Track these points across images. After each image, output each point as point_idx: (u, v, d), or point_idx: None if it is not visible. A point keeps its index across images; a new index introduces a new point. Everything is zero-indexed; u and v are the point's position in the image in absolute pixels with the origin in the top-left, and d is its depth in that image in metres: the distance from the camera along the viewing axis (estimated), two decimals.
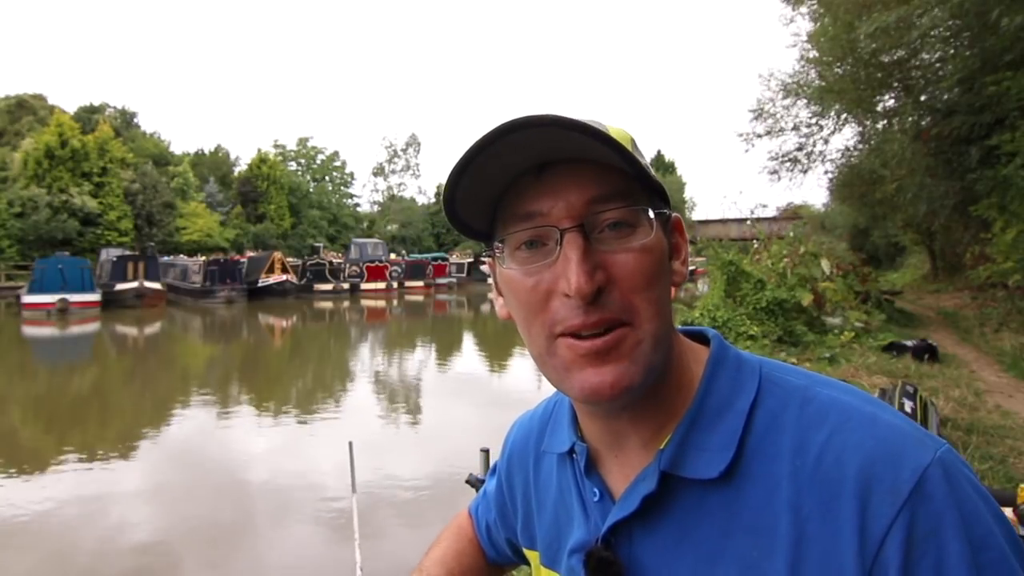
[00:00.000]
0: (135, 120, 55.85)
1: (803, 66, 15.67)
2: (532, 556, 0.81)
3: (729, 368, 0.64)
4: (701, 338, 0.70)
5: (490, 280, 0.70)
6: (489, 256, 0.66)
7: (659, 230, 0.61)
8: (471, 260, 42.45)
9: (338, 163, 62.23)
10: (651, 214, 0.60)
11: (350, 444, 1.99)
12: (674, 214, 0.65)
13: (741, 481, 0.58)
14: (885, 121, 14.48)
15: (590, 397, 0.59)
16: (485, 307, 26.23)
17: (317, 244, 48.10)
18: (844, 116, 15.36)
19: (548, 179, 0.60)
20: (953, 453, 0.54)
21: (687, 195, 69.31)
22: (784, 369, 0.65)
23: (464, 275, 40.80)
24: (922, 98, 12.01)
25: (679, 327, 0.68)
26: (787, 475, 0.56)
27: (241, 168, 56.50)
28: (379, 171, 67.29)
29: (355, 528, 1.91)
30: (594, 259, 0.58)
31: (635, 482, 0.63)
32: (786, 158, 17.32)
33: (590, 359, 0.58)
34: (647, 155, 0.65)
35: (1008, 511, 2.20)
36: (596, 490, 0.67)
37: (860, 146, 16.67)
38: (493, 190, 0.62)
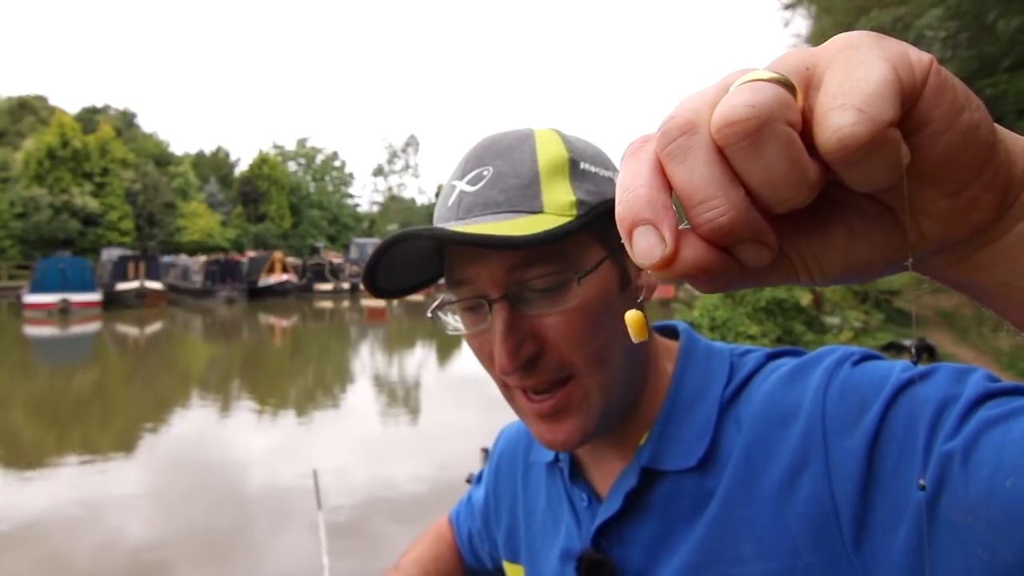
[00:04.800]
0: (136, 121, 55.83)
1: None
2: (516, 570, 0.80)
3: (699, 359, 0.65)
4: (674, 332, 0.70)
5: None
6: (440, 309, 0.66)
7: (603, 269, 0.60)
8: None
9: (337, 163, 62.21)
10: (582, 275, 0.58)
11: (315, 472, 2.14)
12: None
13: (712, 463, 0.58)
14: None
15: (548, 448, 0.62)
16: None
17: (317, 244, 48.12)
18: None
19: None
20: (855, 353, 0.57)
21: None
22: (751, 351, 0.65)
23: None
24: None
25: (652, 324, 0.68)
26: (739, 439, 0.57)
27: (241, 169, 56.50)
28: (379, 171, 67.29)
29: (322, 539, 2.06)
30: (521, 330, 0.57)
31: (617, 481, 0.63)
32: None
33: (542, 418, 0.60)
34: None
35: None
36: (584, 495, 0.67)
37: None
38: (423, 256, 0.62)
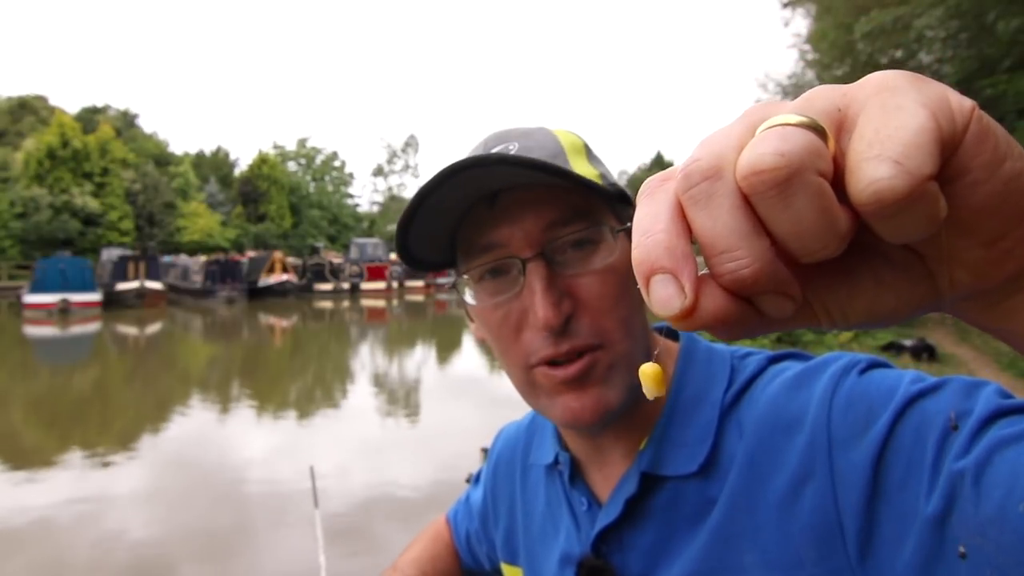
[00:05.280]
0: (136, 121, 55.81)
1: (802, 69, 15.77)
2: (514, 573, 0.79)
3: (700, 360, 0.64)
4: (673, 333, 0.69)
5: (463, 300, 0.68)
6: (452, 288, 0.65)
7: (624, 242, 0.59)
8: None
9: (337, 163, 62.20)
10: (613, 231, 0.59)
11: (311, 469, 2.14)
12: None
13: (713, 469, 0.58)
14: None
15: (572, 423, 0.59)
16: None
17: (317, 244, 48.14)
18: None
19: (503, 207, 0.58)
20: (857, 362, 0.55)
21: None
22: (752, 353, 0.65)
23: None
24: None
25: (652, 325, 0.67)
26: (741, 445, 0.57)
27: (241, 169, 56.51)
28: (379, 171, 67.30)
29: (319, 538, 2.04)
30: (559, 287, 0.57)
31: (617, 487, 0.63)
32: None
33: (568, 386, 0.58)
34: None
35: None
36: (583, 499, 0.67)
37: None
38: (448, 223, 0.61)
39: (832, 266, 0.25)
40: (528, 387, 0.61)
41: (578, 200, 0.58)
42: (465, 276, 0.62)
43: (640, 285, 0.24)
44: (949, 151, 0.21)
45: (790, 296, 0.24)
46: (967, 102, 0.22)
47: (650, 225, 0.24)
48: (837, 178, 0.22)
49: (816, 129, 0.22)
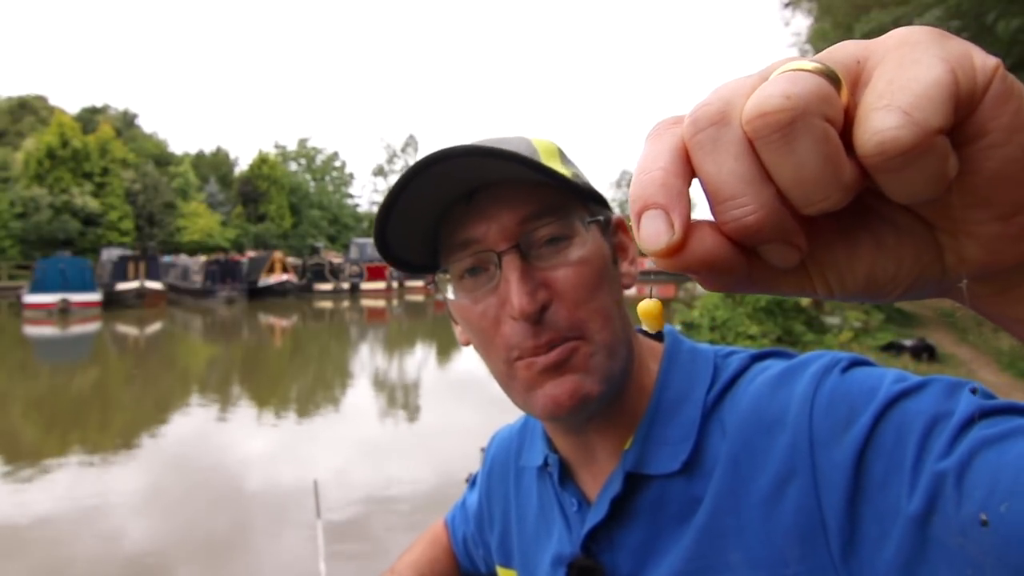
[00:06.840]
0: (136, 121, 55.80)
1: None
2: (508, 575, 0.80)
3: (684, 361, 0.65)
4: (659, 335, 0.70)
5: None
6: (433, 287, 0.66)
7: (598, 237, 0.61)
8: None
9: (338, 163, 62.24)
10: (585, 224, 0.60)
11: (315, 482, 2.15)
12: (614, 215, 0.66)
13: (697, 468, 0.58)
14: None
15: (552, 411, 0.58)
16: None
17: (317, 244, 48.15)
18: None
19: (478, 204, 0.59)
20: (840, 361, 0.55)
21: None
22: (736, 352, 0.65)
23: None
24: None
25: (637, 328, 0.68)
26: (724, 445, 0.57)
27: (241, 168, 56.51)
28: (379, 172, 67.39)
29: (320, 546, 2.06)
30: (534, 278, 0.57)
31: (604, 487, 0.63)
32: None
33: (548, 374, 0.58)
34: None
35: None
36: (573, 500, 0.67)
37: None
38: (426, 223, 0.61)
39: (832, 227, 0.24)
40: (509, 381, 0.61)
41: (552, 197, 0.60)
42: (446, 274, 0.63)
43: (632, 223, 0.23)
44: (966, 109, 0.20)
45: (796, 246, 0.23)
46: (991, 60, 0.21)
47: (650, 163, 0.23)
48: (848, 130, 0.21)
49: (829, 76, 0.21)
